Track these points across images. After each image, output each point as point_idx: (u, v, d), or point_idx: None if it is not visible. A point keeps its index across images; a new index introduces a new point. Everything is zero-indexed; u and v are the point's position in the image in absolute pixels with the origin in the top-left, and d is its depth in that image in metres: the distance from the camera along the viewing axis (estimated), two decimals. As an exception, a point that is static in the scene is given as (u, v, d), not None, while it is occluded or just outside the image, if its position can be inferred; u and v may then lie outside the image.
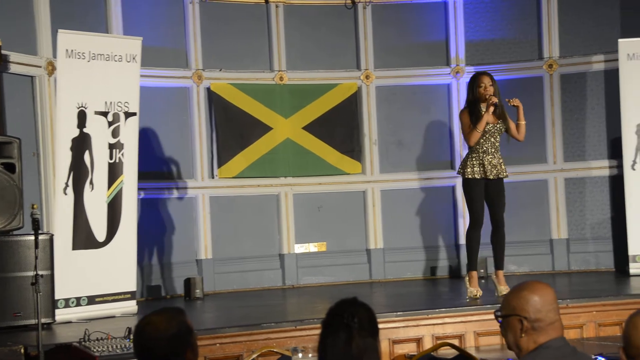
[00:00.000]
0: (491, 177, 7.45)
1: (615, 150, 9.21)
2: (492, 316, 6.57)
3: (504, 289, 7.39)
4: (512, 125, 7.54)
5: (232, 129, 9.42)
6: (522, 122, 7.53)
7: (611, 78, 9.17)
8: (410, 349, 6.48)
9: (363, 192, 9.73)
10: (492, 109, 7.36)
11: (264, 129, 9.49)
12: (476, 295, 7.46)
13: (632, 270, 8.59)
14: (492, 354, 5.90)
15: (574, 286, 8.51)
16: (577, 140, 9.64)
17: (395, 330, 6.55)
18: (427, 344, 6.46)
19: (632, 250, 8.67)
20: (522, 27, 9.77)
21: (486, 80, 7.47)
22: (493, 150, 7.50)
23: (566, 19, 9.62)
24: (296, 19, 9.68)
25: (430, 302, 7.48)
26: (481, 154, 7.47)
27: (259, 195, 9.53)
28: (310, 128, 9.63)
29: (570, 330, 6.57)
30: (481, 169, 7.46)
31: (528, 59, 9.74)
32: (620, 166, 9.01)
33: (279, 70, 9.62)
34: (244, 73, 9.52)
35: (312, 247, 9.60)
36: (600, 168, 9.51)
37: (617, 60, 8.83)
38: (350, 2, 9.78)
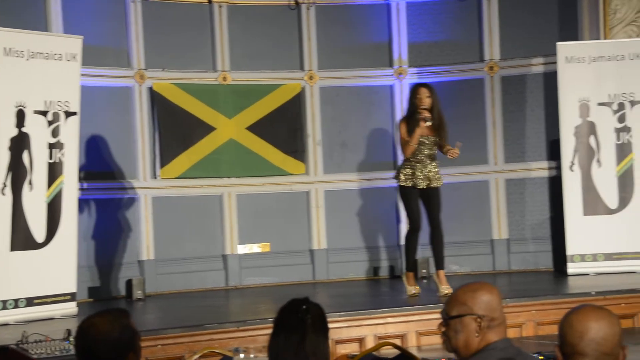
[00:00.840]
0: (421, 187, 7.65)
1: (554, 151, 9.30)
2: (434, 316, 6.62)
3: (445, 288, 7.54)
4: (445, 145, 7.68)
5: (175, 129, 9.36)
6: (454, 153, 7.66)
7: (550, 80, 9.26)
8: (352, 348, 6.49)
9: (307, 193, 9.73)
10: (425, 120, 7.54)
11: (207, 129, 9.45)
12: (414, 293, 7.68)
13: (570, 270, 8.68)
14: (434, 353, 5.93)
15: (514, 286, 8.60)
16: (518, 142, 9.73)
17: (338, 330, 6.55)
18: (370, 344, 6.48)
19: (570, 250, 8.76)
20: (463, 30, 9.85)
21: (422, 92, 7.63)
22: (428, 161, 7.67)
23: (506, 22, 9.72)
24: (240, 19, 9.65)
25: (373, 302, 7.53)
26: (414, 164, 7.68)
27: (202, 196, 9.48)
28: (254, 128, 9.60)
29: (510, 329, 6.61)
30: (412, 178, 7.65)
31: (469, 61, 9.80)
32: (558, 167, 9.09)
33: (223, 71, 9.58)
34: (187, 73, 9.47)
35: (255, 248, 9.57)
36: (540, 169, 9.61)
37: (555, 63, 8.92)
38: (294, 2, 9.77)
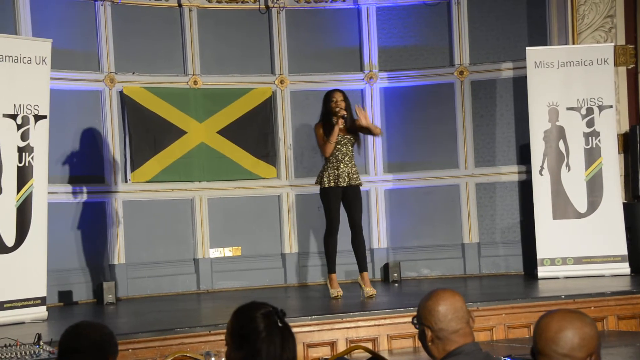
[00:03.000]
0: (344, 184, 7.86)
1: (523, 156, 9.37)
2: (405, 320, 6.64)
3: (369, 290, 7.81)
4: (360, 140, 8.06)
5: (146, 133, 9.34)
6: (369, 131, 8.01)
7: (520, 85, 9.34)
8: (324, 352, 6.49)
9: (278, 197, 9.74)
10: (341, 121, 7.84)
11: (178, 133, 9.44)
12: (337, 295, 7.89)
13: (540, 274, 8.71)
14: (405, 356, 5.96)
15: (485, 289, 8.63)
16: (488, 146, 9.79)
17: (310, 334, 6.56)
18: (341, 348, 6.49)
19: (540, 254, 8.79)
20: (433, 34, 9.89)
21: (337, 96, 7.97)
22: (347, 160, 7.92)
23: (476, 27, 9.79)
24: (210, 23, 9.65)
25: (344, 306, 7.50)
26: (335, 163, 7.89)
27: (173, 200, 9.47)
28: (225, 132, 9.60)
29: (481, 332, 6.67)
30: (335, 177, 7.86)
31: (439, 66, 9.85)
32: (528, 172, 9.16)
33: (193, 74, 9.56)
34: (158, 77, 9.45)
35: (227, 252, 9.56)
36: (510, 173, 9.68)
37: (525, 67, 8.97)
38: (264, 7, 9.78)
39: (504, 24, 9.73)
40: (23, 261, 7.33)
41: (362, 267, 7.98)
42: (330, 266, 8.03)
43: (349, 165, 7.90)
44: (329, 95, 8.02)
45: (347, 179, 7.85)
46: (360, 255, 7.99)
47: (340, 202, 7.91)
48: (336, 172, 7.85)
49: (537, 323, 2.97)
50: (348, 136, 7.90)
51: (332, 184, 7.86)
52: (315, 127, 8.06)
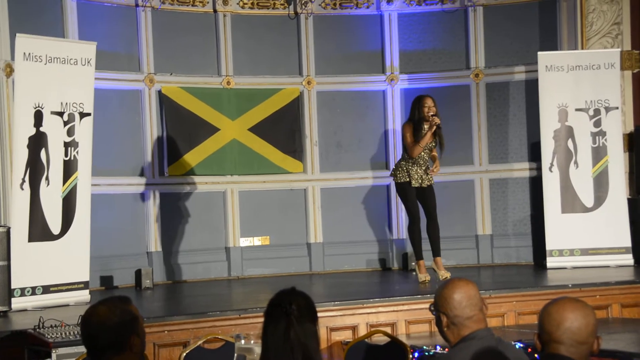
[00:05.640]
0: (417, 185, 7.79)
1: (534, 153, 9.33)
2: (421, 305, 6.65)
3: (443, 273, 7.70)
4: (435, 150, 7.92)
5: (182, 130, 9.35)
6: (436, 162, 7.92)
7: (531, 87, 9.29)
8: (346, 336, 6.51)
9: (304, 190, 9.73)
10: (434, 128, 7.71)
11: (212, 130, 9.45)
12: (425, 280, 7.77)
13: (549, 264, 8.69)
14: (422, 340, 5.95)
15: (497, 278, 8.61)
16: (501, 144, 9.76)
17: (333, 318, 6.57)
18: (362, 332, 6.48)
19: (549, 246, 8.76)
20: (451, 39, 9.86)
21: (429, 102, 7.81)
22: (422, 163, 7.83)
23: (491, 33, 9.74)
24: (243, 28, 9.66)
25: (365, 292, 7.51)
26: (410, 165, 7.81)
27: (206, 192, 9.47)
28: (255, 129, 9.60)
29: (493, 318, 6.65)
30: (408, 176, 7.78)
31: (456, 69, 9.82)
32: (539, 168, 9.12)
33: (226, 75, 9.58)
34: (193, 77, 9.47)
35: (256, 241, 9.57)
36: (521, 170, 9.64)
37: (536, 71, 8.93)
38: (293, 13, 9.78)
39: (517, 30, 9.68)
40: (68, 248, 7.39)
41: (436, 253, 7.87)
42: (417, 253, 7.95)
43: (423, 168, 7.80)
44: (420, 100, 7.85)
45: (420, 181, 7.77)
46: (434, 241, 7.87)
47: (415, 194, 7.83)
48: (409, 172, 7.76)
49: (543, 311, 2.99)
50: (431, 143, 7.81)
51: (406, 179, 7.77)
52: (404, 128, 7.93)
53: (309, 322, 3.11)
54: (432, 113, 7.74)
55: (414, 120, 7.84)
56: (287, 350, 3.05)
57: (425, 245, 7.99)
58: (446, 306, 3.33)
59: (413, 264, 8.36)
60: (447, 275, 7.57)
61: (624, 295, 7.20)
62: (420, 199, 7.86)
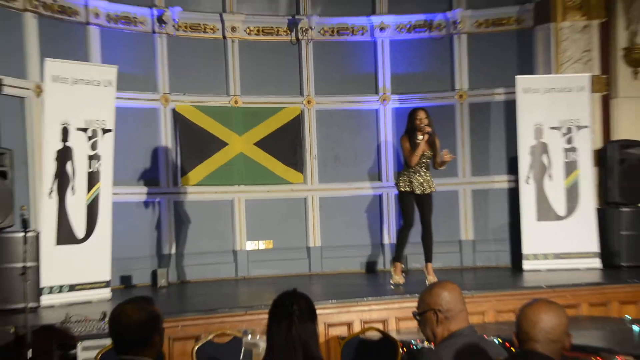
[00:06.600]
0: (418, 192, 7.69)
1: (512, 167, 9.33)
2: (411, 304, 6.63)
3: (431, 278, 7.59)
4: (438, 157, 7.74)
5: (194, 144, 9.36)
6: (442, 165, 7.76)
7: (510, 107, 9.29)
8: (342, 331, 6.49)
9: (304, 199, 9.74)
10: (426, 137, 7.63)
11: (221, 144, 9.46)
12: (399, 282, 7.68)
13: (525, 267, 8.70)
14: (410, 335, 5.92)
15: (478, 279, 8.56)
16: (482, 158, 9.77)
17: (330, 315, 6.55)
18: (357, 327, 6.49)
19: (525, 250, 8.78)
20: (437, 64, 9.87)
21: (422, 114, 7.74)
22: (423, 170, 7.73)
23: (474, 58, 9.77)
24: (249, 52, 9.68)
25: (359, 292, 7.48)
26: (412, 173, 7.72)
27: (215, 201, 9.48)
28: (260, 144, 9.61)
29: (474, 316, 6.61)
30: (410, 185, 7.69)
31: (442, 90, 9.84)
32: (516, 180, 9.10)
33: (234, 95, 9.60)
34: (204, 97, 9.48)
35: (260, 245, 9.57)
36: (501, 182, 9.66)
37: (514, 93, 8.94)
38: (294, 39, 9.81)
39: (497, 55, 9.71)
40: (91, 250, 7.42)
41: (428, 258, 7.81)
42: (397, 254, 7.86)
43: (424, 175, 7.74)
44: (414, 113, 7.81)
45: (421, 188, 7.70)
46: (427, 248, 7.79)
47: (414, 203, 7.75)
48: (411, 179, 7.69)
49: (521, 311, 3.00)
50: (427, 152, 7.73)
51: (407, 189, 7.70)
52: (401, 140, 7.85)
53: (309, 321, 3.15)
54: (423, 124, 7.68)
55: (409, 131, 7.79)
56: (289, 346, 3.08)
57: (416, 250, 7.97)
58: (439, 302, 3.32)
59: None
60: (435, 280, 7.53)
61: (592, 295, 7.19)
62: (418, 206, 7.78)
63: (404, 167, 7.88)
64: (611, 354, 4.61)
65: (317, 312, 3.21)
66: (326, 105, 9.85)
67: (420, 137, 7.67)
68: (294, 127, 9.74)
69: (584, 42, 9.27)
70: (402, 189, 7.74)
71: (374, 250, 9.73)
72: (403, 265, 8.86)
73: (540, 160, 8.90)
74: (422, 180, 7.73)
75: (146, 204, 9.11)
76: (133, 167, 9.01)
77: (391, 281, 7.73)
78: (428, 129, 7.66)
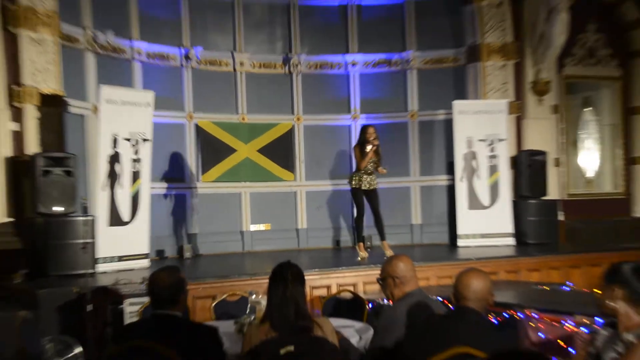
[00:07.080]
0: (365, 188, 7.69)
1: (450, 169, 9.28)
2: (375, 271, 6.64)
3: (389, 252, 7.54)
4: (380, 164, 7.77)
5: (211, 150, 9.31)
6: (382, 172, 7.75)
7: (449, 125, 9.26)
8: (323, 292, 6.47)
9: (295, 192, 9.73)
10: (374, 147, 7.64)
11: (231, 150, 9.42)
12: (364, 256, 7.66)
13: (459, 244, 8.68)
14: (374, 295, 5.94)
15: (425, 253, 8.44)
16: (428, 162, 9.78)
17: (314, 280, 6.53)
18: (334, 290, 6.47)
19: (459, 231, 8.75)
20: (395, 91, 9.87)
21: (371, 130, 7.72)
22: (370, 172, 7.73)
23: (422, 87, 9.75)
24: (253, 81, 9.64)
25: (336, 262, 7.47)
26: (362, 174, 7.71)
27: (227, 193, 9.44)
28: (262, 151, 9.57)
29: (421, 280, 6.46)
30: (359, 182, 7.69)
31: (398, 111, 9.83)
32: (453, 179, 9.06)
33: (242, 113, 9.58)
34: (219, 114, 9.44)
35: (261, 227, 9.55)
36: (442, 180, 9.63)
37: (452, 114, 8.92)
38: (287, 72, 9.80)
39: (440, 85, 9.70)
40: (134, 230, 7.37)
41: (382, 237, 7.75)
42: (358, 237, 7.80)
43: (371, 175, 7.71)
44: (365, 128, 7.75)
45: (368, 185, 7.67)
46: (380, 230, 7.72)
47: (364, 196, 7.71)
48: (361, 179, 7.66)
49: (456, 277, 3.07)
50: (374, 158, 7.72)
51: (357, 186, 7.67)
52: (354, 148, 7.80)
53: (299, 285, 3.16)
54: (372, 137, 7.67)
55: (360, 142, 7.79)
56: (284, 303, 3.09)
57: (372, 232, 7.96)
58: (396, 270, 3.39)
59: (356, 245, 8.22)
60: (392, 253, 7.53)
61: (507, 265, 7.19)
62: (367, 199, 7.76)
63: (356, 169, 7.86)
64: (521, 308, 4.71)
65: (305, 278, 3.23)
66: (311, 122, 9.82)
67: (369, 147, 7.67)
68: (287, 138, 9.72)
69: (503, 76, 9.33)
70: (354, 185, 7.71)
71: (347, 231, 9.73)
72: (368, 243, 8.96)
73: (471, 164, 8.90)
74: (369, 179, 7.72)
75: (175, 195, 9.09)
76: (165, 168, 9.00)
77: (358, 258, 7.69)
78: (376, 142, 7.67)
